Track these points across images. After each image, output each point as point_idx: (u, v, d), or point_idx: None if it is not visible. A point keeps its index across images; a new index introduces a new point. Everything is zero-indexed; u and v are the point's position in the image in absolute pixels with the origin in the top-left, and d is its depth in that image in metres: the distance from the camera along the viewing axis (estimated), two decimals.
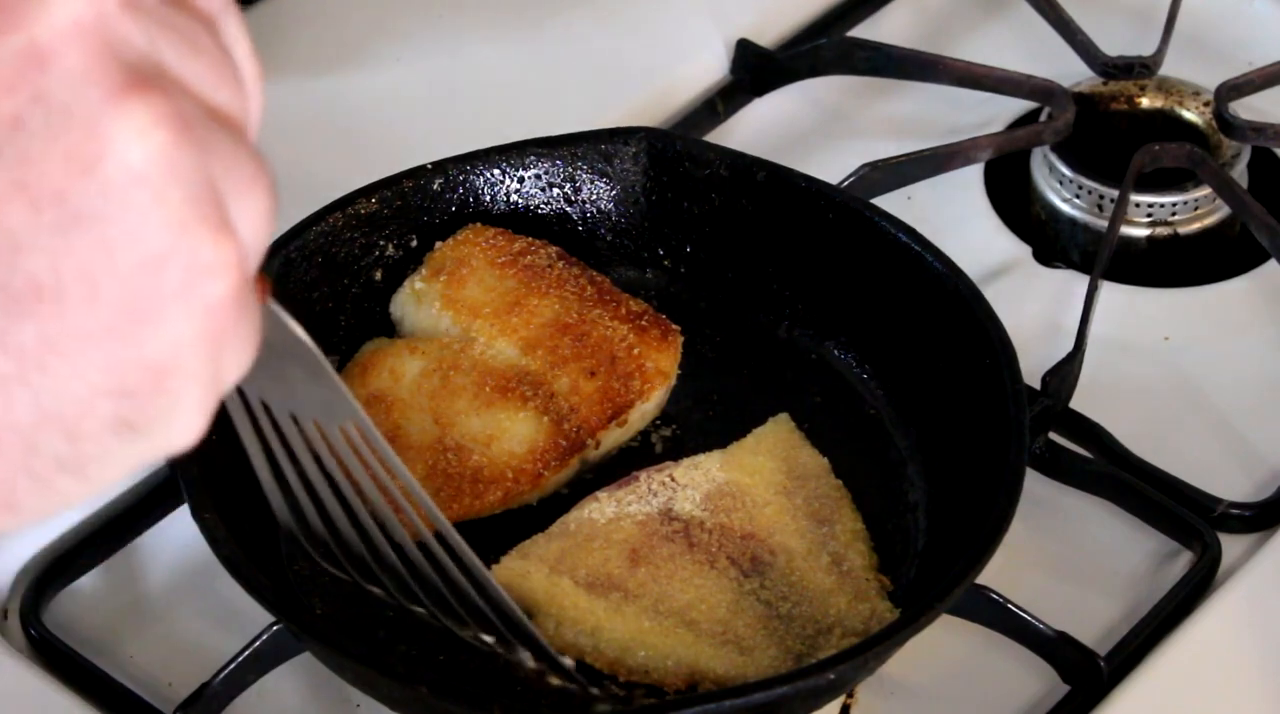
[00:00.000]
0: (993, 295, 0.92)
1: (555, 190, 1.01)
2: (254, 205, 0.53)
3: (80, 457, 0.51)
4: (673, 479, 0.89)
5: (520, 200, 1.01)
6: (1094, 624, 0.90)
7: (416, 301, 0.96)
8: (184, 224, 0.50)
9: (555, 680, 0.80)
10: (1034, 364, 0.96)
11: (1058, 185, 1.12)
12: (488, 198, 1.00)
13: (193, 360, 0.52)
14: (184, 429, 0.53)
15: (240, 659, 0.84)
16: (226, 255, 0.51)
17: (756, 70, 1.20)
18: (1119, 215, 1.05)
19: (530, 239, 0.98)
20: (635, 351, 0.93)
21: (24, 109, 0.49)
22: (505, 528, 0.89)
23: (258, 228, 0.53)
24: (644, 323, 0.95)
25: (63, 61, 0.49)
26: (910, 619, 0.79)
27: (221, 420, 0.87)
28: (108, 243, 0.49)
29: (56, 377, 0.50)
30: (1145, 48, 1.17)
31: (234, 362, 0.53)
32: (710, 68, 1.21)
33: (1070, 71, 1.17)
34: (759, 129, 1.18)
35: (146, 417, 0.52)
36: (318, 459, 0.73)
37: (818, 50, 1.20)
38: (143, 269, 0.50)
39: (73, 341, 0.50)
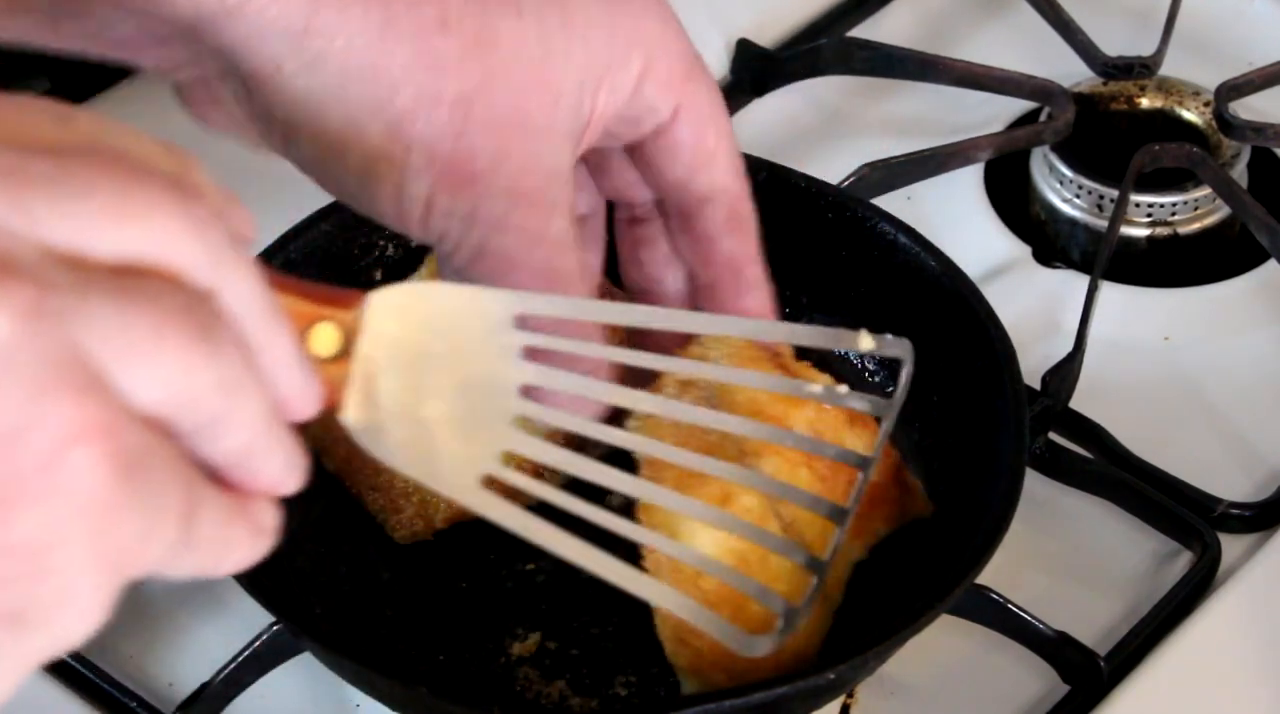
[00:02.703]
0: (993, 295, 0.92)
1: None
2: (153, 366, 0.49)
3: None
4: None
5: None
6: (1094, 624, 0.90)
7: None
8: (37, 392, 0.46)
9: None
10: (1034, 364, 0.96)
11: (1058, 185, 1.12)
12: None
13: (72, 539, 0.47)
14: (81, 616, 0.49)
15: (240, 659, 0.84)
16: (91, 418, 0.47)
17: (756, 70, 1.20)
18: (1119, 215, 1.05)
19: None
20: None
21: None
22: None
23: (169, 384, 0.49)
24: None
25: None
26: (910, 619, 0.79)
27: None
28: None
29: None
30: (1145, 48, 1.17)
31: (137, 534, 0.49)
32: (710, 68, 1.20)
33: (1070, 71, 1.17)
34: (759, 129, 1.18)
35: (34, 605, 0.48)
36: None
37: (818, 50, 1.20)
38: None
39: None
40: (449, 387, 0.60)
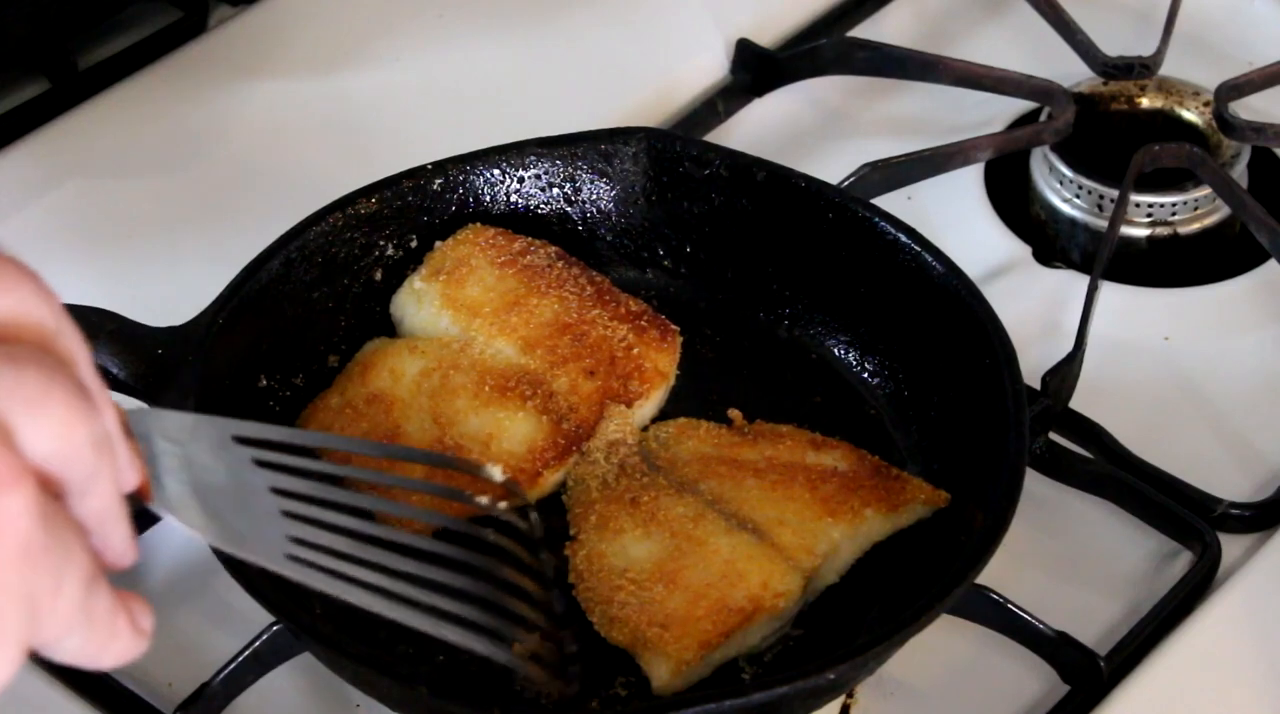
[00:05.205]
0: (993, 295, 0.92)
1: (555, 190, 1.01)
2: (45, 419, 0.54)
3: None
4: None
5: (520, 200, 1.01)
6: (1094, 624, 0.90)
7: (416, 301, 0.96)
8: None
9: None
10: (1034, 364, 0.96)
11: (1058, 185, 1.12)
12: (488, 198, 1.00)
13: (3, 581, 0.52)
14: (7, 659, 0.53)
15: (240, 659, 0.84)
16: (10, 466, 0.52)
17: (756, 70, 1.20)
18: (1119, 215, 1.05)
19: (530, 239, 0.98)
20: (634, 351, 0.93)
21: None
22: (504, 527, 0.89)
23: (58, 437, 0.54)
24: (643, 323, 0.95)
25: None
26: (910, 619, 0.79)
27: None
28: None
29: None
30: (1145, 48, 1.17)
31: (51, 581, 0.54)
32: (710, 68, 1.21)
33: (1070, 71, 1.17)
34: (759, 129, 1.18)
35: None
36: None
37: (818, 50, 1.20)
38: None
39: None
40: (223, 485, 0.69)
